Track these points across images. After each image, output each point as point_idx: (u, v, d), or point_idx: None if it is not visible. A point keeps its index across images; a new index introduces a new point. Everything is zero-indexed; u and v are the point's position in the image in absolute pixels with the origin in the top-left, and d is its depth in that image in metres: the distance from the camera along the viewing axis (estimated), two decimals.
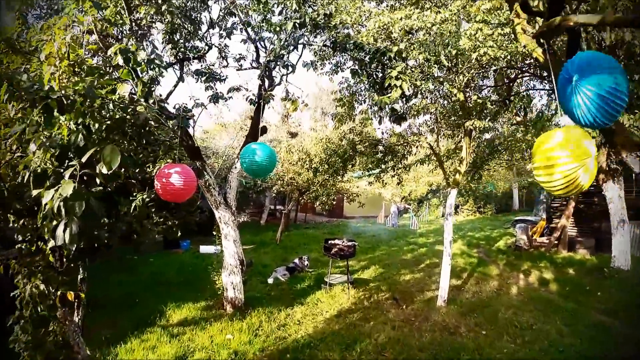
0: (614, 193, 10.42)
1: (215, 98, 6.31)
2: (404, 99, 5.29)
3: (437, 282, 8.21)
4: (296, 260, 10.38)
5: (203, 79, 6.48)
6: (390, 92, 5.15)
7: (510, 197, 30.18)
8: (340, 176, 11.14)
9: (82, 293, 3.91)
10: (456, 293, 8.71)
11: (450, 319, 7.09)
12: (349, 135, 10.15)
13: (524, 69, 8.36)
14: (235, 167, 7.03)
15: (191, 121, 5.99)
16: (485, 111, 7.95)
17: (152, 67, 3.91)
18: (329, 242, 9.02)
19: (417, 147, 9.73)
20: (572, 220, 13.40)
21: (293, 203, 15.61)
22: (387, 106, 5.62)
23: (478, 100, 7.68)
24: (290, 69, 6.11)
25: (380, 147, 10.56)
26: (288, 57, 6.07)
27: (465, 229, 20.10)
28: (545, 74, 7.60)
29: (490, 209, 27.46)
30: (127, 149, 3.78)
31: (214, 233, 7.44)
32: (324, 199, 16.48)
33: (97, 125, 2.55)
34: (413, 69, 6.05)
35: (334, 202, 23.22)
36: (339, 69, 11.13)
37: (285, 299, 8.21)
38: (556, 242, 13.15)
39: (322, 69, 11.07)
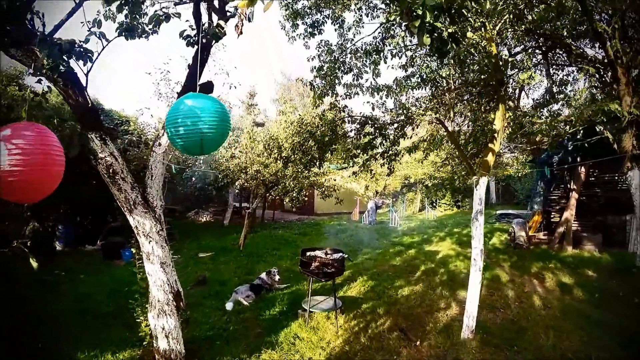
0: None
1: (128, 30, 3.62)
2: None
3: (447, 298, 7.04)
4: (263, 275, 7.84)
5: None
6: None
7: (487, 191, 28.44)
8: (317, 167, 8.68)
9: None
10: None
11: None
12: (329, 113, 7.71)
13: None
14: (159, 143, 4.36)
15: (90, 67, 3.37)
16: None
17: None
18: (307, 253, 6.55)
19: (417, 125, 7.40)
20: (573, 213, 11.81)
21: (259, 200, 13.05)
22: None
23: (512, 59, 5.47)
24: None
25: (369, 128, 8.24)
26: None
27: (449, 225, 18.10)
28: None
29: (468, 203, 25.70)
30: None
31: (133, 251, 4.83)
32: (294, 194, 14.00)
33: None
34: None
35: (306, 199, 20.78)
36: (316, 32, 8.76)
37: (248, 336, 5.73)
38: (557, 238, 11.58)
39: (294, 31, 8.67)
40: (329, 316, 6.21)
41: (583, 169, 11.56)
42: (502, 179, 25.08)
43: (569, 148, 11.94)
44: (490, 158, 5.84)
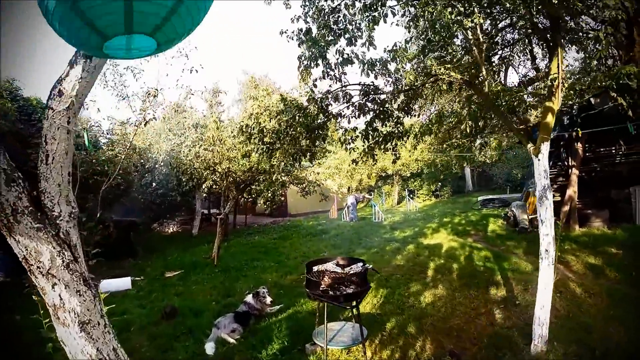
0: None
1: None
2: None
3: (480, 300, 5.98)
4: (249, 299, 5.95)
5: None
6: None
7: (462, 178, 27.57)
8: (306, 159, 6.93)
9: None
10: (525, 310, 5.57)
11: None
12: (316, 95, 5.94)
13: None
14: (60, 91, 2.29)
15: None
16: None
17: None
18: (314, 268, 4.70)
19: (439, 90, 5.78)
20: (576, 190, 10.77)
21: (230, 204, 11.03)
22: None
23: None
24: None
25: (371, 105, 6.64)
26: None
27: (436, 215, 16.66)
28: None
29: (446, 192, 24.61)
30: None
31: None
32: (269, 194, 12.08)
33: None
34: None
35: (282, 198, 18.81)
36: None
37: None
38: (563, 217, 10.33)
39: None
40: (350, 351, 4.42)
41: (580, 144, 10.55)
42: (478, 165, 24.07)
43: (565, 123, 10.81)
44: (550, 119, 4.62)
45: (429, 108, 7.80)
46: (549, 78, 4.51)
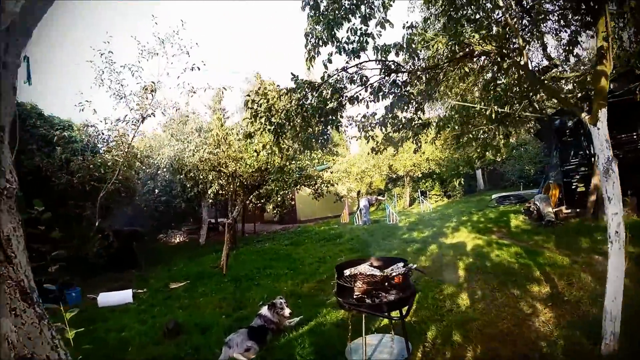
0: None
1: None
2: None
3: (524, 299, 5.29)
4: (264, 311, 5.07)
5: None
6: None
7: (472, 178, 26.70)
8: (319, 146, 6.11)
9: None
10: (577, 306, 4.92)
11: None
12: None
13: None
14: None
15: None
16: None
17: None
18: (347, 271, 3.83)
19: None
20: None
21: (239, 208, 10.19)
22: None
23: None
24: None
25: (389, 86, 5.89)
26: None
27: (452, 215, 15.72)
28: None
29: (458, 192, 23.68)
30: None
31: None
32: (278, 198, 11.27)
33: None
34: None
35: (292, 202, 17.97)
36: None
37: None
38: (590, 208, 9.87)
39: None
40: None
41: None
42: (489, 163, 23.24)
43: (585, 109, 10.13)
44: (604, 83, 4.06)
45: (451, 95, 7.00)
46: (599, 37, 3.77)
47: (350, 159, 22.93)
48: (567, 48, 6.81)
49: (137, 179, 13.74)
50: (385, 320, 5.16)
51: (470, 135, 10.86)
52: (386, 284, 3.57)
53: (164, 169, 13.60)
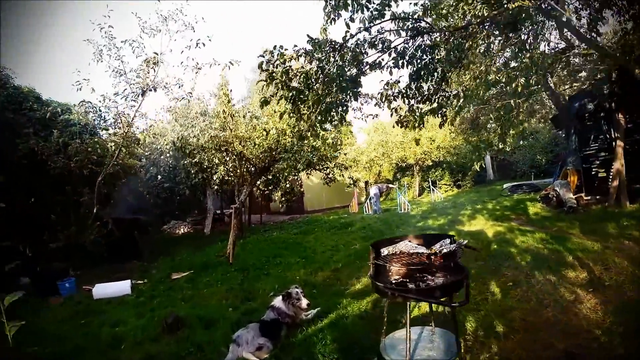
0: None
1: None
2: None
3: (563, 285, 4.63)
4: (278, 302, 4.34)
5: None
6: None
7: (482, 168, 25.83)
8: (338, 119, 5.37)
9: None
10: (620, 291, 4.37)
11: None
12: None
13: None
14: None
15: None
16: None
17: None
18: (384, 250, 3.08)
19: None
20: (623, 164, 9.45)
21: (246, 192, 9.42)
22: None
23: None
24: None
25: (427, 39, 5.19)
26: None
27: (465, 204, 14.93)
28: None
29: (468, 182, 22.85)
30: None
31: None
32: (287, 185, 10.53)
33: None
34: None
35: (302, 189, 17.16)
36: None
37: None
38: (613, 194, 9.21)
39: None
40: None
41: (621, 115, 9.28)
42: (500, 150, 22.40)
43: (605, 92, 9.57)
44: None
45: (477, 63, 6.27)
46: None
47: (358, 148, 22.12)
48: (590, 26, 6.25)
49: (139, 166, 13.07)
50: (417, 311, 4.46)
51: (491, 115, 10.15)
52: (434, 264, 2.86)
53: (168, 154, 12.86)
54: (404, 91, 5.95)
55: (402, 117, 6.13)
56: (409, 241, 3.19)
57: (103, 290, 6.89)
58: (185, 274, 7.68)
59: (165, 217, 15.85)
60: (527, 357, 3.23)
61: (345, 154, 11.04)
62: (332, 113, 5.23)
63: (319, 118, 4.89)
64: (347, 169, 11.14)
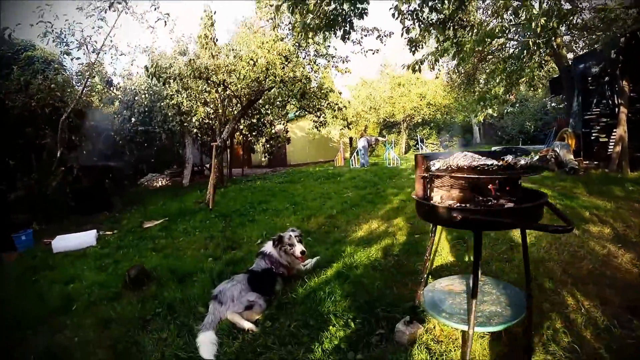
0: None
1: None
2: None
3: (588, 237, 3.94)
4: (268, 248, 3.36)
5: None
6: None
7: (468, 131, 25.20)
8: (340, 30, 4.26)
9: None
10: None
11: None
12: None
13: None
14: None
15: None
16: None
17: None
18: (434, 163, 2.06)
19: None
20: (626, 130, 9.15)
21: (229, 128, 8.12)
22: None
23: None
24: None
25: None
26: None
27: None
28: None
29: (455, 142, 22.15)
30: None
31: None
32: (272, 130, 9.38)
33: None
34: None
35: (287, 134, 15.93)
36: None
37: None
38: (615, 159, 8.92)
39: None
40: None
41: (625, 82, 8.84)
42: (492, 115, 21.76)
43: (612, 57, 9.01)
44: None
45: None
46: None
47: (343, 101, 20.92)
48: None
49: (112, 112, 11.66)
50: (439, 260, 3.58)
51: (499, 65, 9.32)
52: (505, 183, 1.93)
53: (143, 96, 11.36)
54: (418, 8, 4.89)
55: (412, 38, 5.09)
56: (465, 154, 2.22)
57: (64, 242, 5.77)
58: (159, 221, 6.61)
59: (140, 165, 14.48)
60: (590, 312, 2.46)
61: (340, 93, 9.78)
62: (337, 22, 4.12)
63: (323, 23, 3.77)
64: (341, 110, 9.91)
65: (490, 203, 1.95)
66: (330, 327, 2.49)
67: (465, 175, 1.88)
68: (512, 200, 1.97)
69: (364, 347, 2.30)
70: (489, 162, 1.93)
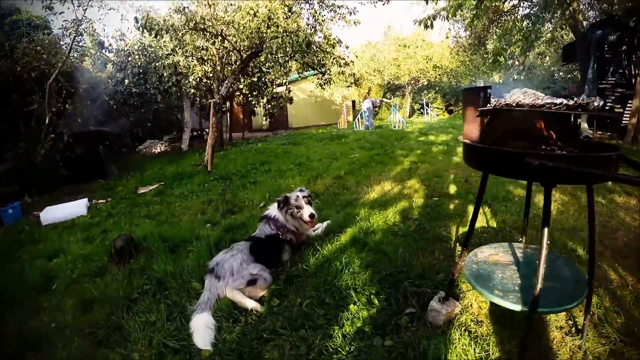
0: None
1: None
2: None
3: (612, 207, 3.49)
4: (273, 211, 2.88)
5: None
6: None
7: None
8: None
9: None
10: None
11: None
12: None
13: None
14: None
15: None
16: None
17: None
18: (496, 101, 1.53)
19: None
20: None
21: (228, 84, 7.42)
22: None
23: None
24: None
25: None
26: None
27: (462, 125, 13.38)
28: None
29: (461, 107, 21.22)
30: None
31: None
32: (273, 90, 8.70)
33: None
34: None
35: (290, 94, 15.13)
36: None
37: None
38: (631, 130, 8.38)
39: None
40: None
41: None
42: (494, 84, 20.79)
43: (631, 24, 8.41)
44: None
45: None
46: None
47: (350, 56, 19.94)
48: None
49: (106, 76, 10.92)
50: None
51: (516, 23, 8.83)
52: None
53: (136, 56, 10.58)
54: None
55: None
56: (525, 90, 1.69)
57: (53, 213, 5.30)
58: (155, 186, 6.14)
59: (136, 129, 13.82)
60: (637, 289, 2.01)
61: (347, 47, 8.98)
62: None
63: None
64: (348, 65, 9.12)
65: (562, 151, 1.46)
66: (351, 305, 2.05)
67: (552, 110, 1.36)
68: (577, 150, 1.49)
69: (392, 330, 1.86)
70: (557, 101, 1.42)
